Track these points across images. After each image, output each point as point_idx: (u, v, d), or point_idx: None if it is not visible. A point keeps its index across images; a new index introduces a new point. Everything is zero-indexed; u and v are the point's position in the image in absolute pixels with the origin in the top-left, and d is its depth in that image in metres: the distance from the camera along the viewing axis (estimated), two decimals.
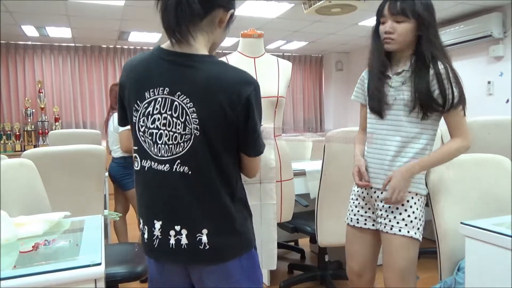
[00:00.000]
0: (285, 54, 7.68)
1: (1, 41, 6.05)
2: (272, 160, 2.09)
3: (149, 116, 1.11)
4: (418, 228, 1.59)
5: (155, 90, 1.10)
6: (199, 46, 1.11)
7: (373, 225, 1.70)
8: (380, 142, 1.63)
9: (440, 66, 1.49)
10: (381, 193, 1.62)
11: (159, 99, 1.09)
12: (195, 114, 1.07)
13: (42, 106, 6.23)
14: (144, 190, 1.18)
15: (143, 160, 1.15)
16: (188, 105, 1.07)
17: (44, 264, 1.06)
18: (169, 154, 1.10)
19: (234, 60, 2.15)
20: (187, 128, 1.07)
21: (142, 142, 1.14)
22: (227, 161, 1.13)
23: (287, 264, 3.17)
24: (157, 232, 1.14)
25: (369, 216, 1.71)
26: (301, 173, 2.86)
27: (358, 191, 1.73)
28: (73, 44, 6.46)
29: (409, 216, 1.58)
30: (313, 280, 2.87)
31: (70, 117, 6.53)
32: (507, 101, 4.97)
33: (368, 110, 1.69)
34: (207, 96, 1.06)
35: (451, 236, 1.64)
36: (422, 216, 1.61)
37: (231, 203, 1.14)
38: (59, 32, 5.64)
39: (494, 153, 1.85)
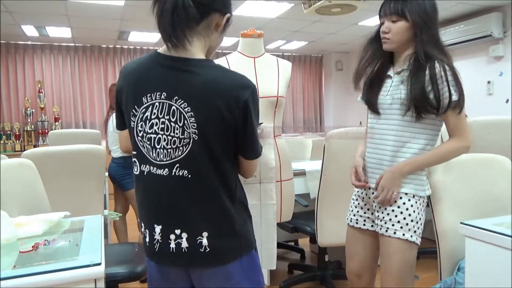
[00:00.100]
0: (285, 54, 7.68)
1: (1, 41, 6.05)
2: (272, 160, 2.08)
3: (147, 121, 1.11)
4: (415, 231, 1.55)
5: (153, 95, 1.10)
6: (196, 51, 1.11)
7: (372, 226, 1.69)
8: (379, 142, 1.62)
9: (436, 65, 1.46)
10: (372, 193, 1.62)
11: (157, 104, 1.09)
12: (193, 119, 1.07)
13: (42, 106, 6.23)
14: (144, 195, 1.18)
15: (142, 165, 1.15)
16: (186, 109, 1.07)
17: (44, 264, 1.05)
18: (168, 159, 1.10)
19: (234, 60, 2.15)
20: (186, 132, 1.08)
21: (140, 147, 1.14)
22: (225, 164, 1.13)
23: (287, 264, 3.17)
24: (157, 236, 1.15)
25: (368, 217, 1.70)
26: (301, 173, 2.86)
27: (358, 191, 1.73)
28: (73, 44, 6.46)
29: (404, 218, 1.54)
30: (313, 280, 2.87)
31: (70, 117, 6.53)
32: (507, 101, 4.97)
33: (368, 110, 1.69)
34: (205, 100, 1.06)
35: (451, 236, 1.64)
36: (420, 218, 1.57)
37: (230, 205, 1.15)
38: (59, 32, 5.64)
39: (494, 153, 1.85)
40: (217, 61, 2.12)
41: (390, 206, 1.56)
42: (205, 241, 1.12)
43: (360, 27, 5.71)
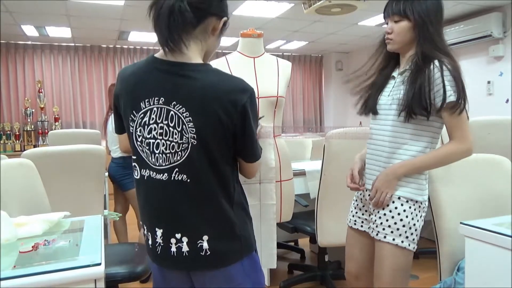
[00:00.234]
0: (285, 54, 7.68)
1: (1, 41, 6.04)
2: (272, 160, 2.09)
3: (146, 126, 1.11)
4: (407, 237, 1.50)
5: (151, 100, 1.10)
6: (193, 55, 1.11)
7: (368, 228, 1.65)
8: (376, 143, 1.60)
9: (435, 65, 1.43)
10: (369, 195, 1.60)
11: (155, 109, 1.10)
12: (192, 123, 1.07)
13: (42, 106, 6.23)
14: (144, 199, 1.19)
15: (142, 170, 1.16)
16: (184, 114, 1.07)
17: (44, 264, 1.05)
18: (167, 163, 1.10)
19: (234, 60, 2.15)
20: (184, 137, 1.08)
21: (140, 152, 1.15)
22: (225, 168, 1.13)
23: (287, 264, 3.17)
24: (159, 239, 1.16)
25: (366, 219, 1.68)
26: (301, 173, 2.85)
27: (358, 192, 1.72)
28: (73, 44, 6.46)
29: (395, 223, 1.50)
30: (313, 280, 2.87)
31: (70, 117, 6.53)
32: (507, 101, 4.97)
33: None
34: (203, 105, 1.06)
35: (451, 236, 1.63)
36: (415, 224, 1.51)
37: (230, 208, 1.15)
38: (59, 32, 5.64)
39: (494, 153, 1.85)
40: (217, 61, 2.13)
41: (383, 209, 1.53)
42: (205, 245, 1.12)
43: (360, 27, 5.71)
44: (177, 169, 1.10)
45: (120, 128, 1.24)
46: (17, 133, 6.13)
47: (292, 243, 3.68)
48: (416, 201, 1.52)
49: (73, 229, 1.44)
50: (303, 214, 2.76)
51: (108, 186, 3.07)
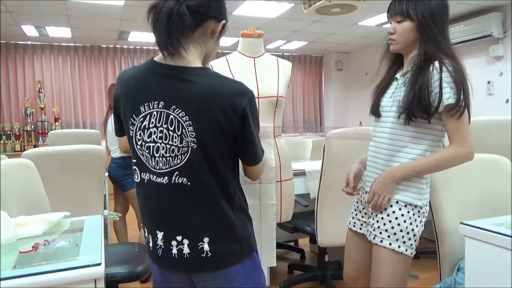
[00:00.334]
0: (285, 54, 7.68)
1: (1, 41, 6.04)
2: (272, 160, 2.09)
3: (145, 130, 1.11)
4: (405, 242, 1.47)
5: (150, 104, 1.10)
6: (192, 58, 1.11)
7: (367, 230, 1.63)
8: (378, 146, 1.58)
9: (435, 66, 1.40)
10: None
11: (155, 113, 1.10)
12: (191, 127, 1.07)
13: (42, 106, 6.23)
14: (145, 202, 1.19)
15: (143, 173, 1.16)
16: (184, 118, 1.07)
17: (44, 264, 1.05)
18: (167, 167, 1.11)
19: (234, 60, 2.15)
20: (184, 141, 1.08)
21: (140, 156, 1.15)
22: (225, 171, 1.13)
23: (287, 264, 3.17)
24: (160, 242, 1.16)
25: (365, 221, 1.65)
26: (301, 173, 2.85)
27: (359, 195, 1.70)
28: (73, 44, 6.46)
29: (393, 227, 1.47)
30: (313, 280, 2.87)
31: (70, 117, 6.53)
32: (507, 101, 4.98)
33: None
34: (203, 109, 1.06)
35: (451, 236, 1.63)
36: (413, 229, 1.47)
37: (230, 210, 1.15)
38: (59, 32, 5.64)
39: (494, 153, 1.84)
40: (217, 61, 2.13)
41: (382, 213, 1.51)
42: (206, 247, 1.12)
43: (360, 27, 5.71)
44: (177, 172, 1.10)
45: (120, 130, 1.24)
46: (17, 133, 6.13)
47: (292, 243, 3.68)
48: (416, 206, 1.49)
49: (73, 229, 1.44)
50: (303, 214, 2.76)
51: (108, 186, 3.07)
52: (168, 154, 1.09)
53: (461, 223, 1.41)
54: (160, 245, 1.16)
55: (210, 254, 1.13)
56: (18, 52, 6.25)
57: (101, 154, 2.40)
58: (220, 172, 1.12)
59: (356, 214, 1.70)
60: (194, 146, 1.08)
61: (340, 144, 2.36)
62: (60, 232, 1.40)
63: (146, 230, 1.21)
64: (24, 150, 3.92)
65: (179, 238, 1.13)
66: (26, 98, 6.19)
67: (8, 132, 6.09)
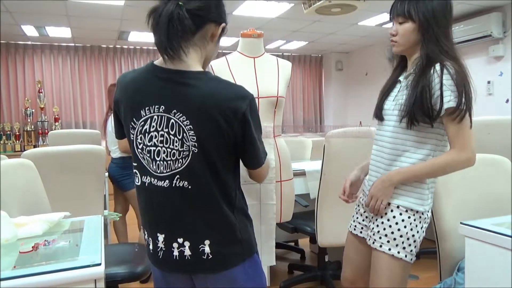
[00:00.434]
0: (284, 54, 7.68)
1: (1, 41, 6.04)
2: (272, 160, 2.09)
3: (146, 134, 1.11)
4: (404, 248, 1.44)
5: (151, 108, 1.10)
6: (192, 62, 1.11)
7: (367, 234, 1.61)
8: (380, 149, 1.55)
9: (436, 69, 1.36)
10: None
11: (155, 117, 1.10)
12: (192, 132, 1.07)
13: (42, 106, 6.23)
14: (146, 205, 1.19)
15: (143, 176, 1.16)
16: (185, 122, 1.07)
17: (44, 264, 1.06)
18: (168, 170, 1.11)
19: (234, 60, 2.15)
20: (185, 145, 1.08)
21: (141, 159, 1.15)
22: (226, 174, 1.14)
23: (287, 264, 3.17)
24: (161, 244, 1.16)
25: (366, 225, 1.63)
26: (301, 173, 2.85)
27: (361, 198, 1.68)
28: (73, 44, 6.46)
29: (392, 232, 1.45)
30: (313, 280, 2.87)
31: (69, 117, 6.53)
32: (507, 101, 4.98)
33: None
34: (203, 113, 1.06)
35: (451, 236, 1.63)
36: (414, 235, 1.44)
37: (231, 213, 1.16)
38: (59, 32, 5.64)
39: (494, 153, 1.84)
40: (217, 61, 2.13)
41: (381, 217, 1.49)
42: (207, 249, 1.13)
43: (360, 27, 5.71)
44: (178, 176, 1.10)
45: (120, 133, 1.24)
46: (17, 133, 6.13)
47: (292, 243, 3.68)
48: (417, 211, 1.45)
49: (73, 229, 1.44)
50: (303, 214, 2.76)
51: (108, 186, 3.07)
52: (169, 158, 1.09)
53: (461, 223, 1.41)
54: (161, 247, 1.16)
55: (211, 256, 1.13)
56: (18, 52, 6.25)
57: (101, 154, 2.40)
58: (221, 175, 1.12)
59: (357, 218, 1.68)
60: (195, 150, 1.08)
61: (340, 143, 2.36)
62: (60, 232, 1.40)
63: (146, 233, 1.21)
64: (24, 150, 3.92)
65: (180, 240, 1.14)
66: (26, 98, 6.19)
67: (8, 132, 6.09)
